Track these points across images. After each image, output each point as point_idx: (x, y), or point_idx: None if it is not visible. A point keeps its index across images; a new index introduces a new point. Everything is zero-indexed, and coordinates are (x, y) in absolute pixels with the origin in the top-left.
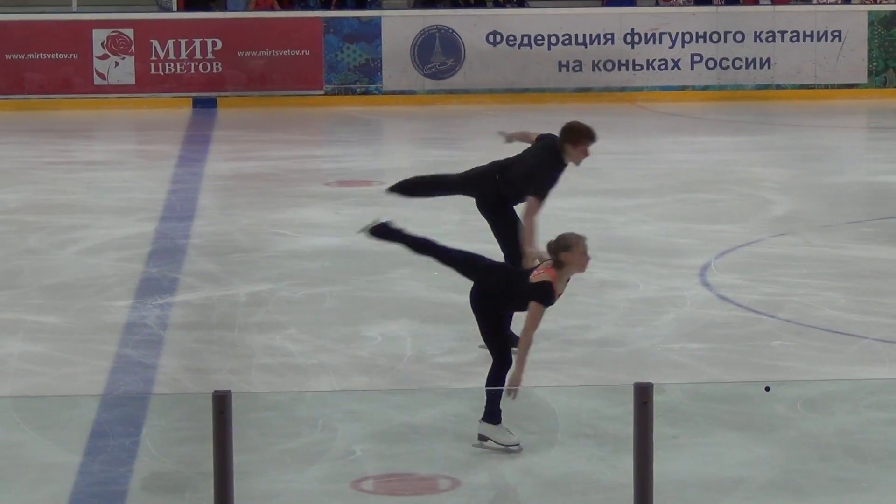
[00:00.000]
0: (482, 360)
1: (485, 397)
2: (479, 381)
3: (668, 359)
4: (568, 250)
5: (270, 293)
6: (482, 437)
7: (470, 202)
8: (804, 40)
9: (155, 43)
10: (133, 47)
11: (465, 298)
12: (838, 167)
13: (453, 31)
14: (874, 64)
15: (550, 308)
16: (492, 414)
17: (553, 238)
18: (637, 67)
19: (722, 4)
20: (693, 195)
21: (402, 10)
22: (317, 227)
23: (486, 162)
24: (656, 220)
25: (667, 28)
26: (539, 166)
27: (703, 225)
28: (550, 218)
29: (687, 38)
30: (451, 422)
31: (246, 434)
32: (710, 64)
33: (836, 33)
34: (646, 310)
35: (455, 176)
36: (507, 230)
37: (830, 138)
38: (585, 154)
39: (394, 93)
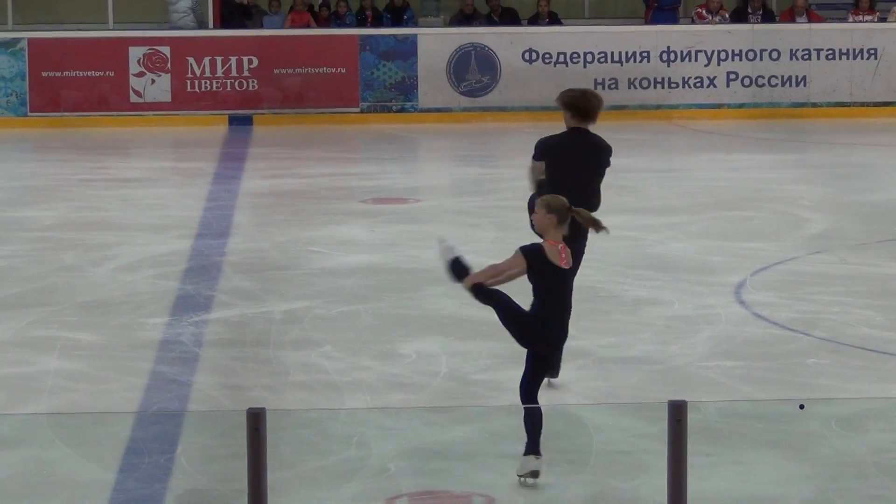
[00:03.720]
0: (517, 377)
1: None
2: (515, 398)
3: (703, 376)
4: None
5: (305, 310)
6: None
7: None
8: (840, 58)
9: (191, 60)
10: (169, 65)
11: None
12: (873, 185)
13: (489, 48)
14: None
15: (586, 327)
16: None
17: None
18: (673, 85)
19: (758, 22)
20: (728, 213)
21: (438, 28)
22: (352, 244)
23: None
24: (691, 238)
25: (702, 46)
26: None
27: (738, 242)
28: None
29: (723, 55)
30: (486, 439)
31: (280, 451)
32: (746, 82)
33: (872, 51)
34: (681, 327)
35: None
36: None
37: (865, 156)
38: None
39: (429, 110)
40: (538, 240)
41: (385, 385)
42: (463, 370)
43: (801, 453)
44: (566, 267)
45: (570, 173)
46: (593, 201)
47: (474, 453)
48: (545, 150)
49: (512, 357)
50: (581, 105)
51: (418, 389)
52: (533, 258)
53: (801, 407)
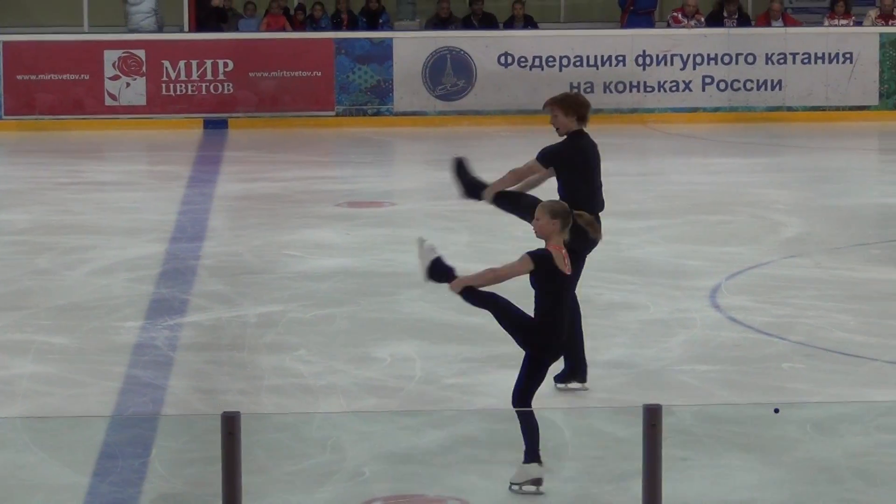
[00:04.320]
0: (491, 381)
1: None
2: (489, 402)
3: (678, 380)
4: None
5: (280, 314)
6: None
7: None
8: (815, 62)
9: (166, 64)
10: (144, 68)
11: (475, 320)
12: (849, 189)
13: (465, 52)
14: (885, 86)
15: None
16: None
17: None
18: (648, 89)
19: (734, 26)
20: (703, 217)
21: (414, 32)
22: (327, 248)
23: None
24: (667, 242)
25: (678, 50)
26: None
27: (713, 247)
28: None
29: (698, 59)
30: (461, 443)
31: (255, 455)
32: (722, 86)
33: (848, 55)
34: (656, 331)
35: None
36: None
37: (841, 160)
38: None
39: (405, 114)
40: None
41: (359, 389)
42: (437, 374)
43: (775, 457)
44: (569, 273)
45: (592, 177)
46: (602, 202)
47: (449, 457)
48: (560, 157)
49: (486, 361)
50: (582, 108)
51: (393, 393)
52: (541, 264)
53: (776, 411)
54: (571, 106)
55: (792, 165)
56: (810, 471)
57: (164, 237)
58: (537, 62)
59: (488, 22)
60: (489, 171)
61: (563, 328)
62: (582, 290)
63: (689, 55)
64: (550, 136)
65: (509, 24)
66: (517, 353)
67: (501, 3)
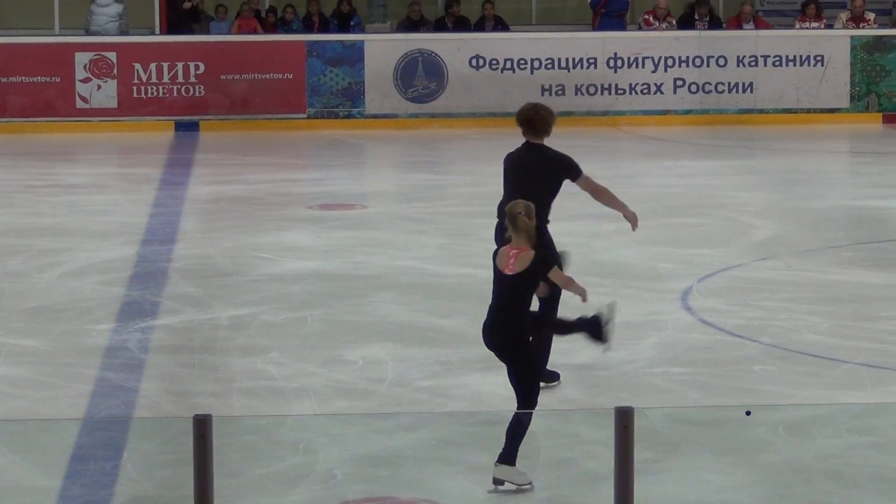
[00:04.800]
0: (463, 383)
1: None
2: (461, 404)
3: (650, 383)
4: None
5: (252, 317)
6: (498, 481)
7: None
8: (787, 65)
9: (137, 66)
10: (115, 70)
11: (447, 322)
12: (820, 192)
13: (436, 54)
14: (856, 89)
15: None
16: (510, 456)
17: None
18: (620, 92)
19: (705, 29)
20: (675, 219)
21: (385, 34)
22: (299, 250)
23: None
24: (638, 245)
25: (649, 52)
26: None
27: (685, 249)
28: None
29: (670, 62)
30: (433, 445)
31: (227, 458)
32: (693, 88)
33: (819, 58)
34: (627, 334)
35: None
36: None
37: (812, 163)
38: None
39: (376, 116)
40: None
41: (332, 391)
42: (409, 376)
43: (748, 459)
44: (507, 272)
45: (516, 189)
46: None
47: (421, 460)
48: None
49: (458, 363)
50: (529, 118)
51: (365, 396)
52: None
53: (748, 413)
54: (516, 117)
55: (763, 168)
56: (782, 473)
57: (136, 240)
58: (509, 65)
59: (462, 24)
60: (460, 174)
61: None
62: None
63: (660, 58)
64: (520, 139)
65: (480, 25)
66: (489, 356)
67: (473, 6)
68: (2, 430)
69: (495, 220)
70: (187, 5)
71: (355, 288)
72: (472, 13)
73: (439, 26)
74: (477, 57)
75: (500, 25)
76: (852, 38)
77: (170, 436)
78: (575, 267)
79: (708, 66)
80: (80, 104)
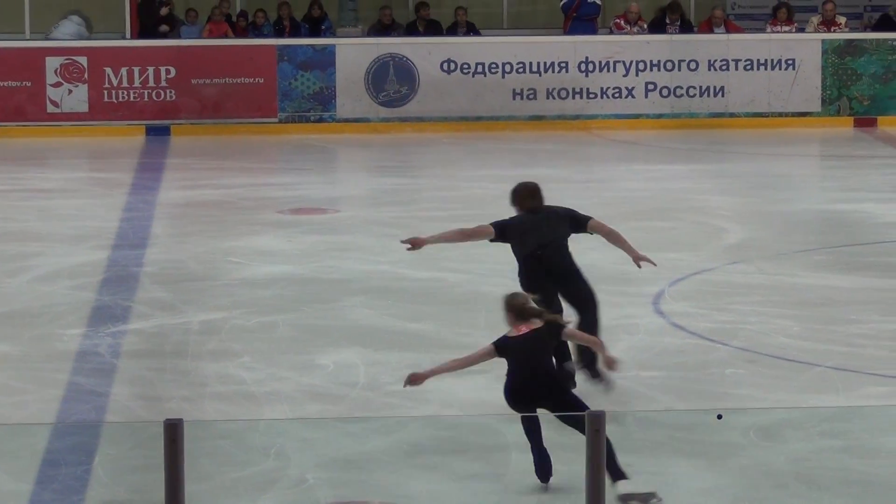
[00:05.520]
0: (435, 387)
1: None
2: (432, 408)
3: (622, 386)
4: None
5: (223, 321)
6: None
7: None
8: (758, 69)
9: (108, 71)
10: (86, 75)
11: (418, 326)
12: (791, 195)
13: (407, 59)
14: (828, 92)
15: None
16: (618, 471)
17: None
18: (591, 95)
19: (676, 33)
20: (646, 223)
21: (356, 39)
22: (270, 255)
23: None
24: (610, 248)
25: (621, 56)
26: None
27: (656, 253)
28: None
29: (641, 66)
30: (404, 449)
31: (198, 462)
32: (664, 92)
33: (790, 62)
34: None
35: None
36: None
37: (784, 167)
38: None
39: (348, 121)
40: None
41: (303, 396)
42: (381, 380)
43: (719, 463)
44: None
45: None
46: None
47: (392, 464)
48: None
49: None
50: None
51: (336, 400)
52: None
53: (719, 417)
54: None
55: (734, 172)
56: (754, 476)
57: (107, 244)
58: (480, 69)
59: (433, 28)
60: (431, 178)
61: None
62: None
63: (631, 62)
64: (492, 143)
65: (452, 31)
66: None
67: (444, 10)
68: None
69: (465, 224)
70: (164, 11)
71: (326, 292)
72: (444, 17)
73: (410, 30)
74: (448, 61)
75: (473, 32)
76: (823, 41)
77: (141, 440)
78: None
79: (679, 70)
80: (50, 109)
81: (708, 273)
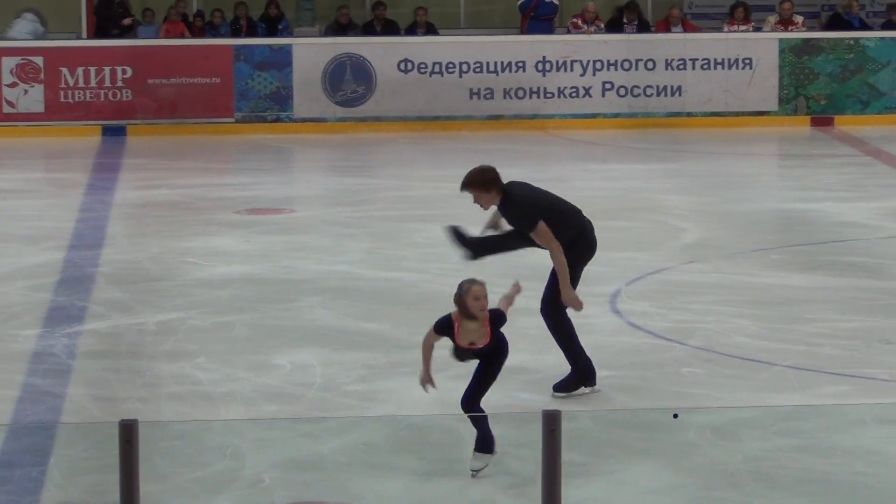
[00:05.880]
0: (392, 387)
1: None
2: (389, 408)
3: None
4: (459, 296)
5: (180, 322)
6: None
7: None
8: (715, 68)
9: (64, 71)
10: (42, 75)
11: (375, 326)
12: (748, 195)
13: (364, 58)
14: (785, 91)
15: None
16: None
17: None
18: (548, 95)
19: (633, 32)
20: (603, 222)
21: (313, 38)
22: (227, 255)
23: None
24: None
25: (578, 56)
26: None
27: (613, 252)
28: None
29: (598, 65)
30: (360, 450)
31: (154, 463)
32: (622, 92)
33: (747, 61)
34: None
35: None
36: None
37: (741, 166)
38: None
39: (305, 120)
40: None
41: (259, 396)
42: (337, 381)
43: (675, 462)
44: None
45: None
46: None
47: (349, 464)
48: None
49: (386, 368)
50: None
51: (292, 400)
52: (439, 327)
53: (675, 416)
54: (485, 183)
55: (692, 171)
56: (710, 476)
57: (63, 245)
58: (437, 68)
59: (390, 28)
60: (388, 178)
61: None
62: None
63: (588, 61)
64: (449, 143)
65: (411, 31)
66: (417, 360)
67: (401, 10)
68: None
69: (422, 223)
70: (127, 22)
71: (283, 292)
72: (401, 17)
73: (367, 30)
74: (405, 61)
75: (433, 32)
76: (780, 41)
77: (96, 441)
78: (504, 269)
79: (636, 69)
80: (6, 109)
81: (665, 272)
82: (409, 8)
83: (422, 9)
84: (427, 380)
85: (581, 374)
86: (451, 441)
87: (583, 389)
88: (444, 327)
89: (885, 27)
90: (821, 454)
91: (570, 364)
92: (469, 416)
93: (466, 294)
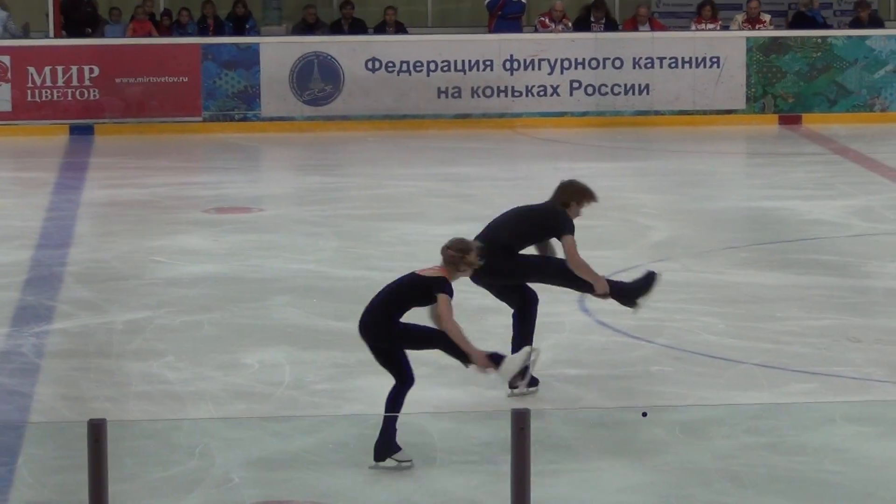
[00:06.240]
0: (360, 386)
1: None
2: (358, 407)
3: (547, 384)
4: (462, 252)
5: (148, 321)
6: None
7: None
8: (683, 66)
9: (31, 70)
10: (10, 74)
11: (344, 325)
12: (716, 193)
13: (332, 57)
14: (752, 90)
15: None
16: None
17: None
18: (516, 94)
19: (601, 31)
20: None
21: (281, 37)
22: (195, 254)
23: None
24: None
25: (546, 55)
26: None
27: (582, 250)
28: (429, 244)
29: (566, 64)
30: (330, 448)
31: (123, 462)
32: (589, 90)
33: (715, 59)
34: None
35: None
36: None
37: (709, 164)
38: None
39: (272, 119)
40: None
41: (228, 395)
42: (306, 379)
43: (644, 460)
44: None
45: None
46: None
47: (318, 463)
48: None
49: (355, 366)
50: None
51: (262, 399)
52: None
53: (644, 414)
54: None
55: (660, 169)
56: (679, 474)
57: (30, 244)
58: (405, 67)
59: (358, 27)
60: (356, 177)
61: None
62: (461, 297)
63: (556, 60)
64: (417, 141)
65: (381, 30)
66: None
67: (369, 9)
68: None
69: (390, 222)
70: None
71: (252, 291)
72: (369, 16)
73: (335, 29)
74: (373, 59)
75: (402, 31)
76: (748, 39)
77: (65, 441)
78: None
79: (604, 67)
80: None
81: (633, 270)
82: (377, 7)
83: (391, 8)
84: (484, 361)
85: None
86: (418, 438)
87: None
88: (451, 290)
89: (852, 25)
90: (789, 452)
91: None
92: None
93: (470, 252)
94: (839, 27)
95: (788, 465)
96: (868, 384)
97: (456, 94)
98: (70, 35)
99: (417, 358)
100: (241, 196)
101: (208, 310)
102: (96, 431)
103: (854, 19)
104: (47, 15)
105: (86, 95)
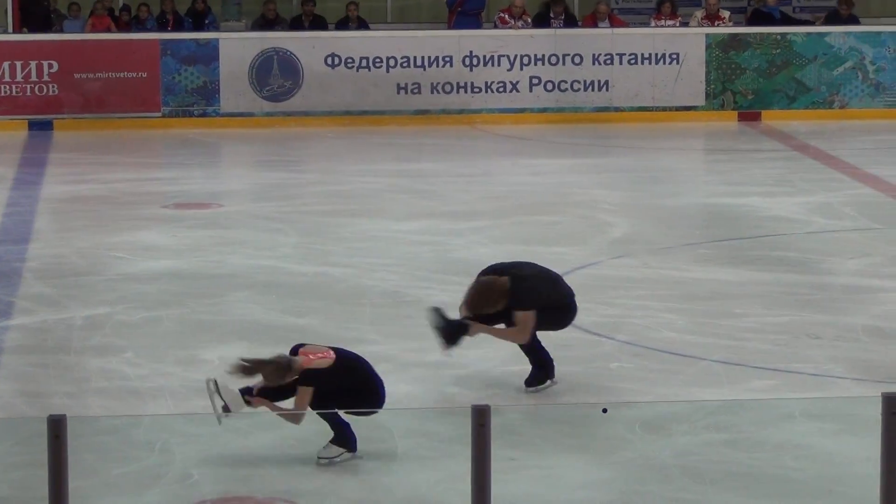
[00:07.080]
0: None
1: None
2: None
3: (506, 381)
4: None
5: (107, 316)
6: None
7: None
8: (642, 63)
9: None
10: None
11: (303, 321)
12: (675, 189)
13: (291, 53)
14: (712, 86)
15: (389, 331)
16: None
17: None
18: (475, 90)
19: (560, 27)
20: (531, 217)
21: (240, 33)
22: (154, 249)
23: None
24: (495, 243)
25: (505, 51)
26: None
27: (541, 247)
28: (389, 241)
29: (525, 60)
30: (290, 444)
31: (82, 458)
32: (549, 86)
33: (674, 56)
34: None
35: None
36: None
37: (668, 160)
38: None
39: (232, 115)
40: None
41: (187, 391)
42: None
43: (604, 457)
44: None
45: None
46: None
47: (278, 458)
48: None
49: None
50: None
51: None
52: None
53: (604, 411)
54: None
55: (619, 166)
56: (639, 470)
57: None
58: (364, 63)
59: (319, 23)
60: (316, 172)
61: None
62: (410, 291)
63: (515, 56)
64: (377, 137)
65: (343, 26)
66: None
67: (329, 5)
68: None
69: (350, 218)
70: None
71: (211, 287)
72: (328, 11)
73: (295, 25)
74: (332, 55)
75: (364, 28)
76: (707, 36)
77: (24, 437)
78: (431, 265)
79: (563, 64)
80: None
81: (593, 267)
82: (336, 3)
83: (353, 4)
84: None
85: (543, 367)
86: (377, 435)
87: (548, 382)
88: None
89: (828, 20)
90: (749, 448)
91: (531, 360)
92: None
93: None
94: (794, 23)
95: (748, 461)
96: (827, 381)
97: (415, 91)
98: (30, 31)
99: (378, 354)
100: (201, 192)
101: (168, 305)
102: (56, 427)
103: (833, 12)
104: (6, 10)
105: (45, 91)
